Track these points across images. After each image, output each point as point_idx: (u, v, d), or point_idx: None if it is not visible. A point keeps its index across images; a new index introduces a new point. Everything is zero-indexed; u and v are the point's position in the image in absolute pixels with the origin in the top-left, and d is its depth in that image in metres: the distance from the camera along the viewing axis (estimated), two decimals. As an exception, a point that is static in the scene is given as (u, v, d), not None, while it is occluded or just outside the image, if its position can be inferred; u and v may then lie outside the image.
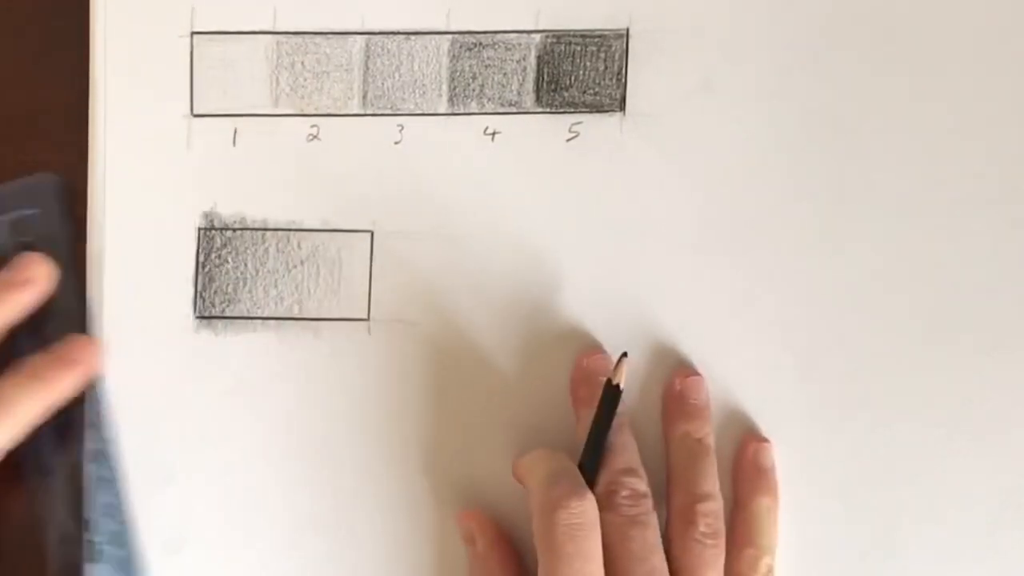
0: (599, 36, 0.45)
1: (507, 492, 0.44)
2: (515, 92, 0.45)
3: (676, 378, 0.44)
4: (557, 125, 0.45)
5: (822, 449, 0.44)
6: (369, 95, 0.46)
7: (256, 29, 0.46)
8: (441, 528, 0.45)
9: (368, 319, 0.46)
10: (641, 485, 0.41)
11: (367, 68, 0.46)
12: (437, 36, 0.46)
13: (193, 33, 0.46)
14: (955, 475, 0.44)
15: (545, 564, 0.39)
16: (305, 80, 0.46)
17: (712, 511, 0.41)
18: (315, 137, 0.46)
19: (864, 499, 0.44)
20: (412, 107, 0.46)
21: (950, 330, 0.44)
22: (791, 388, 0.44)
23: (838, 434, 0.44)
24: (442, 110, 0.46)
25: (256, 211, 0.46)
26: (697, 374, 0.44)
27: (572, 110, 0.45)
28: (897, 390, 0.44)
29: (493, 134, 0.45)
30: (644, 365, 0.44)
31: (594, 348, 0.44)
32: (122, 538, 0.45)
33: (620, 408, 0.42)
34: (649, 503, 0.41)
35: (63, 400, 0.44)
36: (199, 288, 0.46)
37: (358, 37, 0.46)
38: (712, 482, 0.42)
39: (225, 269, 0.46)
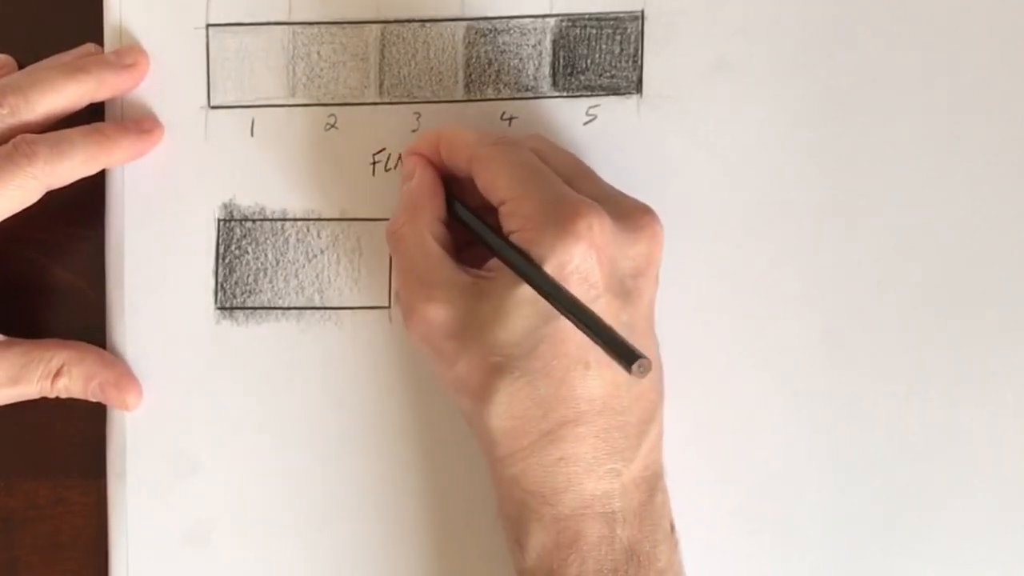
0: (614, 19, 0.45)
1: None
2: (531, 77, 0.45)
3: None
4: (574, 109, 0.45)
5: (847, 425, 0.44)
6: (386, 83, 0.46)
7: (272, 20, 0.46)
8: (466, 512, 0.45)
9: (389, 307, 0.46)
10: None
11: (383, 56, 0.46)
12: (452, 23, 0.46)
13: (209, 25, 0.46)
14: (981, 451, 0.44)
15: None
16: (321, 70, 0.46)
17: None
18: (332, 126, 0.46)
19: (889, 476, 0.44)
20: (429, 94, 0.46)
21: (975, 306, 0.44)
22: (815, 366, 0.44)
23: (864, 411, 0.44)
24: (459, 97, 0.46)
25: (275, 201, 0.46)
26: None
27: (589, 93, 0.45)
28: (922, 367, 0.44)
29: (510, 119, 0.45)
30: (666, 345, 0.44)
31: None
32: None
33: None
34: None
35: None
36: (219, 279, 0.46)
37: (373, 26, 0.46)
38: None
39: (245, 260, 0.46)
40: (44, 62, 0.46)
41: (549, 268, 0.38)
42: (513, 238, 0.39)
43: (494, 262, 0.41)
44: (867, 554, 0.44)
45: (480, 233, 0.41)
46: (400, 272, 0.42)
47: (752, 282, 0.44)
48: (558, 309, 0.37)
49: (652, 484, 0.41)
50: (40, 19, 0.48)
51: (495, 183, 0.40)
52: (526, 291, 0.38)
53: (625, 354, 0.35)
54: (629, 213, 0.40)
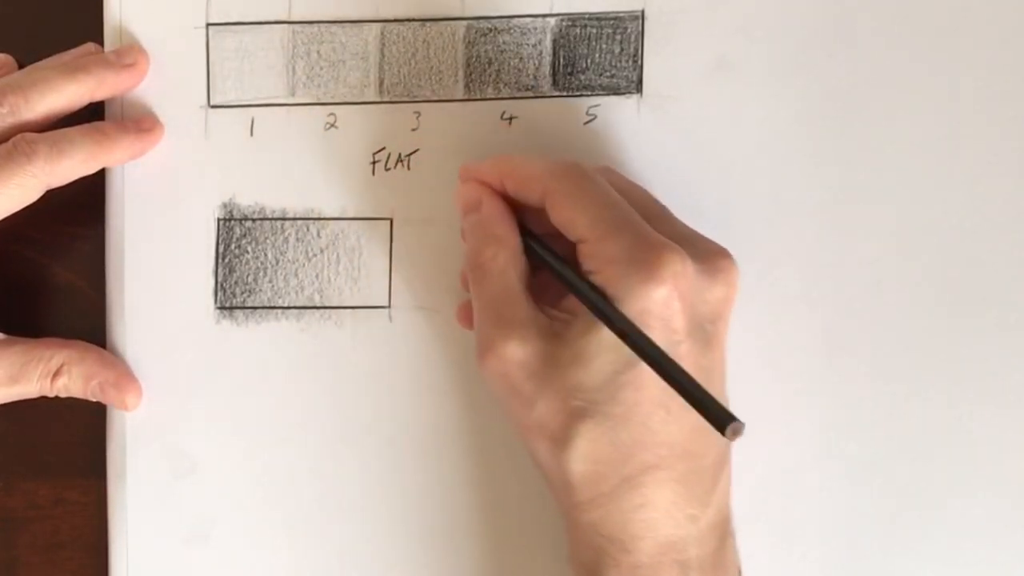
0: (614, 18, 0.45)
1: (530, 476, 0.44)
2: (531, 76, 0.45)
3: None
4: (574, 108, 0.45)
5: (847, 425, 0.44)
6: (386, 83, 0.46)
7: (271, 19, 0.46)
8: (466, 513, 0.45)
9: (389, 307, 0.46)
10: None
11: (383, 56, 0.46)
12: (452, 22, 0.46)
13: (208, 24, 0.46)
14: (980, 450, 0.44)
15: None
16: (321, 69, 0.46)
17: None
18: (332, 126, 0.46)
19: (889, 476, 0.44)
20: (429, 94, 0.46)
21: (975, 306, 0.44)
22: (816, 363, 0.44)
23: (864, 411, 0.44)
24: (459, 96, 0.46)
25: (275, 200, 0.46)
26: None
27: (589, 93, 0.45)
28: (922, 365, 0.44)
29: (510, 119, 0.45)
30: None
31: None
32: None
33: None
34: None
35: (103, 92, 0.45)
36: (219, 279, 0.46)
37: (373, 25, 0.46)
38: None
39: (245, 259, 0.46)
40: (44, 62, 0.46)
41: (631, 313, 0.37)
42: (593, 279, 0.38)
43: (570, 301, 0.40)
44: (867, 554, 0.44)
45: (562, 273, 0.40)
46: (480, 307, 0.41)
47: (752, 282, 0.44)
48: (642, 357, 0.36)
49: (724, 529, 0.40)
50: (40, 19, 0.48)
51: (575, 220, 0.39)
52: (608, 335, 0.37)
53: (717, 416, 0.34)
54: (708, 256, 0.39)
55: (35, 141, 0.43)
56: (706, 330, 0.39)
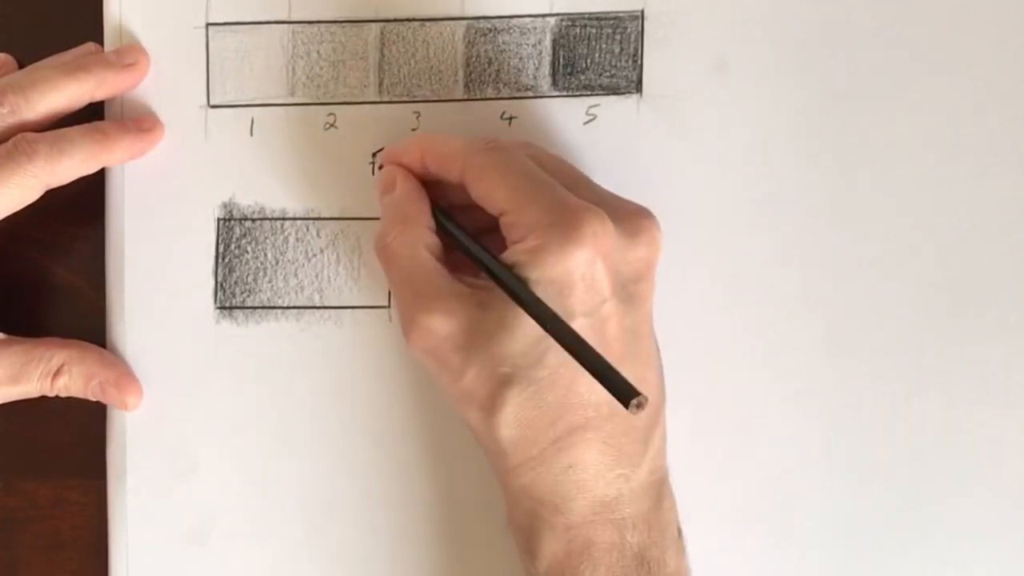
0: (614, 18, 0.45)
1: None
2: (531, 76, 0.45)
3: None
4: (574, 108, 0.45)
5: (847, 425, 0.44)
6: (385, 82, 0.46)
7: (271, 19, 0.46)
8: (468, 511, 0.45)
9: (389, 307, 0.46)
10: None
11: (383, 56, 0.46)
12: (452, 22, 0.46)
13: (208, 24, 0.46)
14: (980, 450, 0.44)
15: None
16: (321, 69, 0.46)
17: None
18: (332, 125, 0.46)
19: (889, 476, 0.44)
20: (428, 93, 0.46)
21: (975, 306, 0.44)
22: (817, 363, 0.44)
23: (864, 411, 0.44)
24: (458, 96, 0.46)
25: (275, 200, 0.46)
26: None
27: (589, 93, 0.45)
28: (922, 365, 0.44)
29: (510, 119, 0.45)
30: (666, 348, 0.44)
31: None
32: None
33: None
34: None
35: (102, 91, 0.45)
36: (219, 278, 0.46)
37: (373, 25, 0.46)
38: None
39: (245, 259, 0.46)
40: (44, 61, 0.46)
41: (553, 275, 0.38)
42: (515, 248, 0.39)
43: None
44: (867, 554, 0.44)
45: (470, 250, 0.41)
46: (396, 286, 0.42)
47: (752, 282, 0.44)
48: (548, 332, 0.37)
49: (659, 489, 0.41)
50: (40, 19, 0.48)
51: (493, 193, 0.40)
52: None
53: (620, 389, 0.35)
54: (628, 217, 0.40)
55: (35, 141, 0.43)
56: (629, 291, 0.39)
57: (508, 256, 0.39)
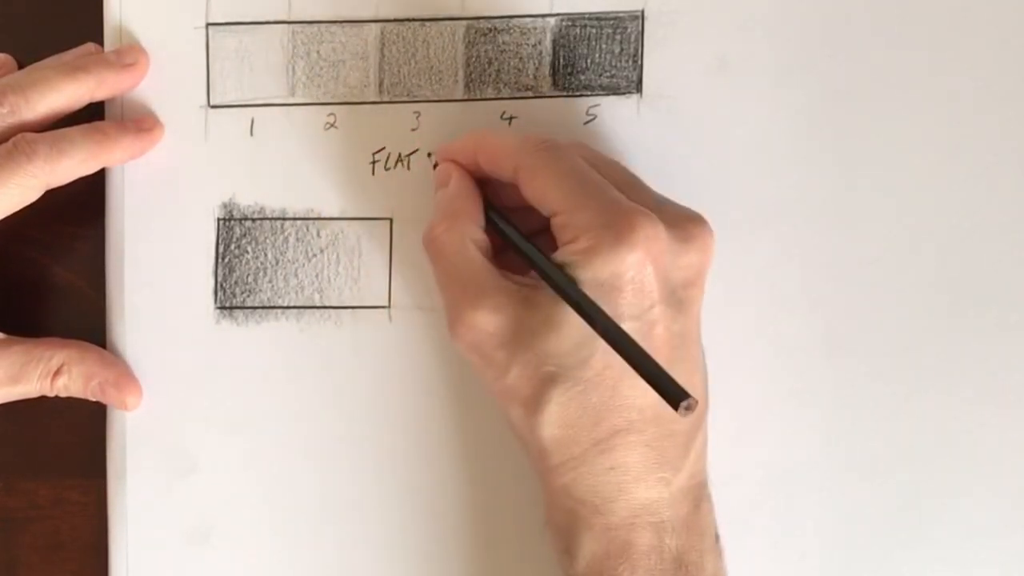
0: (614, 18, 0.45)
1: (528, 474, 0.44)
2: (531, 76, 0.45)
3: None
4: (574, 108, 0.45)
5: (847, 425, 0.44)
6: (385, 83, 0.46)
7: (271, 19, 0.46)
8: (466, 512, 0.45)
9: (389, 306, 0.46)
10: None
11: (383, 56, 0.46)
12: (452, 22, 0.46)
13: (208, 24, 0.46)
14: (980, 450, 0.44)
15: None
16: (321, 69, 0.46)
17: None
18: (332, 126, 0.46)
19: (889, 474, 0.44)
20: (429, 94, 0.46)
21: (975, 306, 0.44)
22: (817, 363, 0.44)
23: (864, 411, 0.44)
24: (459, 96, 0.46)
25: (275, 200, 0.46)
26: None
27: (589, 93, 0.45)
28: (922, 365, 0.44)
29: (510, 119, 0.45)
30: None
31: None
32: None
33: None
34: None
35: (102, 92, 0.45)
36: (219, 278, 0.46)
37: (373, 25, 0.46)
38: None
39: (245, 259, 0.46)
40: (44, 62, 0.46)
41: (603, 277, 0.38)
42: (566, 249, 0.39)
43: None
44: (867, 554, 0.44)
45: (522, 247, 0.41)
46: (443, 280, 0.41)
47: (752, 282, 0.44)
48: (597, 331, 0.37)
49: (698, 493, 0.41)
50: (40, 19, 0.48)
51: (546, 194, 0.40)
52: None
53: (670, 391, 0.35)
54: (681, 222, 0.40)
55: (35, 141, 0.43)
56: (679, 296, 0.39)
57: (559, 256, 0.39)
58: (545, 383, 0.39)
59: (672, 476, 0.39)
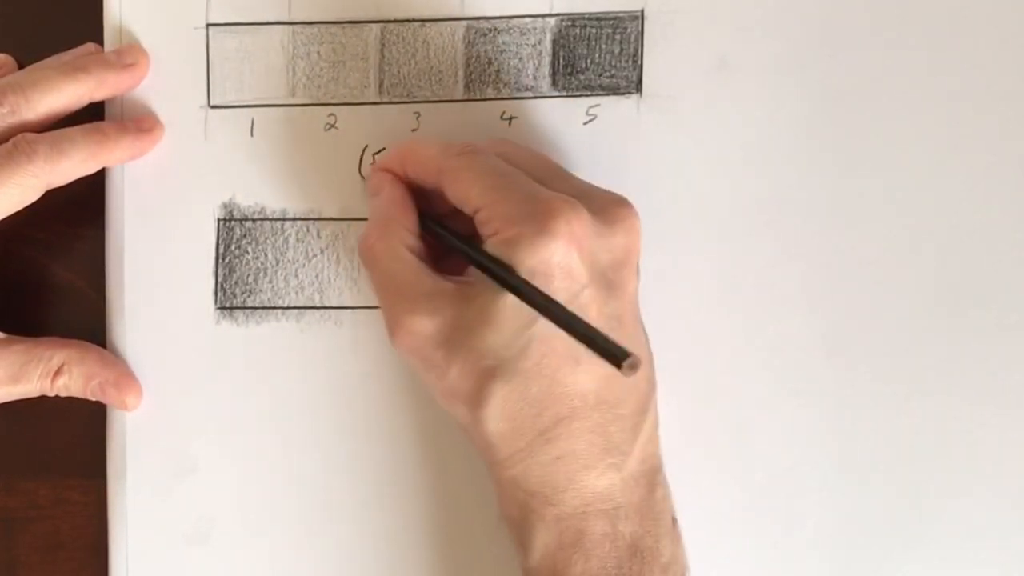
0: (614, 18, 0.45)
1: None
2: (531, 76, 0.45)
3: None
4: (574, 108, 0.45)
5: (847, 425, 0.44)
6: (385, 83, 0.46)
7: (271, 20, 0.46)
8: (467, 510, 0.45)
9: (389, 306, 0.46)
10: None
11: (383, 56, 0.46)
12: (452, 23, 0.46)
13: (209, 25, 0.46)
14: (981, 450, 0.44)
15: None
16: (321, 69, 0.46)
17: None
18: (332, 126, 0.46)
19: (889, 474, 0.44)
20: (429, 94, 0.46)
21: (975, 306, 0.44)
22: (817, 363, 0.44)
23: (864, 411, 0.44)
24: (459, 96, 0.46)
25: (275, 201, 0.46)
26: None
27: (589, 93, 0.45)
28: (922, 365, 0.44)
29: (510, 119, 0.45)
30: (666, 345, 0.44)
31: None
32: None
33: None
34: None
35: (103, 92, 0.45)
36: (219, 279, 0.46)
37: (373, 25, 0.46)
38: None
39: (245, 259, 0.46)
40: (44, 62, 0.46)
41: (530, 265, 0.38)
42: (491, 241, 0.39)
43: (472, 269, 0.41)
44: (867, 554, 0.44)
45: (454, 242, 0.41)
46: (379, 288, 0.42)
47: (752, 282, 0.44)
48: (540, 311, 0.37)
49: (651, 478, 0.41)
50: (40, 19, 0.48)
51: (467, 193, 0.40)
52: (509, 293, 0.38)
53: (612, 352, 0.35)
54: (605, 206, 0.40)
55: (35, 141, 0.43)
56: (609, 278, 0.40)
57: (486, 248, 0.39)
58: (485, 378, 0.39)
59: (622, 461, 0.40)
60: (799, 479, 0.44)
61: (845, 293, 0.44)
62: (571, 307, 0.38)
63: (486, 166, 0.41)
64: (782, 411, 0.44)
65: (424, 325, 0.40)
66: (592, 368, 0.39)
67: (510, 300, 0.38)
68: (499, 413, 0.39)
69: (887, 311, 0.44)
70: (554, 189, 0.40)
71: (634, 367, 0.34)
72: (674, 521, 0.41)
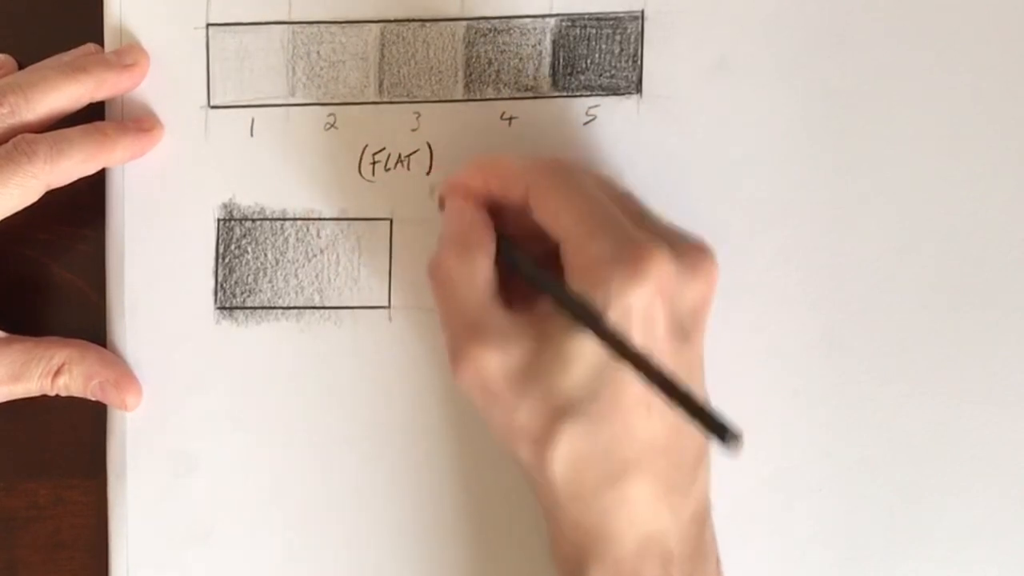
0: (614, 19, 0.45)
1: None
2: (531, 77, 0.45)
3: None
4: (574, 109, 0.45)
5: (847, 425, 0.44)
6: (385, 83, 0.46)
7: (271, 19, 0.46)
8: (465, 512, 0.45)
9: (389, 307, 0.46)
10: None
11: (383, 56, 0.46)
12: (452, 23, 0.46)
13: (209, 24, 0.46)
14: (981, 450, 0.44)
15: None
16: (321, 69, 0.46)
17: None
18: (332, 126, 0.46)
19: (889, 474, 0.44)
20: (428, 94, 0.46)
21: (975, 306, 0.44)
22: (817, 363, 0.44)
23: (864, 409, 0.44)
24: (458, 96, 0.46)
25: (275, 201, 0.46)
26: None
27: (588, 93, 0.45)
28: (922, 365, 0.44)
29: (510, 119, 0.45)
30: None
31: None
32: None
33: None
34: None
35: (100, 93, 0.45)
36: (219, 279, 0.46)
37: (373, 25, 0.46)
38: None
39: (245, 259, 0.46)
40: (44, 62, 0.46)
41: (616, 311, 0.37)
42: (578, 278, 0.38)
43: (544, 302, 0.39)
44: (867, 554, 0.44)
45: (540, 280, 0.40)
46: (447, 314, 0.40)
47: (752, 282, 0.44)
48: (630, 364, 0.36)
49: (702, 520, 0.41)
50: (40, 19, 0.48)
51: (558, 218, 0.39)
52: (587, 334, 0.37)
53: (716, 425, 0.33)
54: (688, 252, 0.39)
55: (35, 141, 0.43)
56: (685, 326, 0.39)
57: (569, 284, 0.38)
58: (555, 419, 0.38)
59: (680, 505, 0.39)
60: (799, 479, 0.44)
61: (845, 293, 0.44)
62: (647, 353, 0.36)
63: (579, 190, 0.39)
64: (782, 411, 0.44)
65: (494, 360, 0.38)
66: (663, 415, 0.38)
67: (588, 342, 0.37)
68: (567, 455, 0.38)
69: (887, 311, 0.44)
70: (638, 226, 0.39)
71: (738, 443, 0.33)
72: (718, 561, 0.41)
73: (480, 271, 0.40)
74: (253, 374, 0.46)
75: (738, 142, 0.45)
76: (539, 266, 0.40)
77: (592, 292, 0.37)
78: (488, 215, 0.41)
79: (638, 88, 0.45)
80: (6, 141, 0.43)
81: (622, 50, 0.45)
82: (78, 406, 0.46)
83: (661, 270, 0.37)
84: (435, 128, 0.46)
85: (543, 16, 0.45)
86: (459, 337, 0.39)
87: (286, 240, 0.46)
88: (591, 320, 0.37)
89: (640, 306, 0.37)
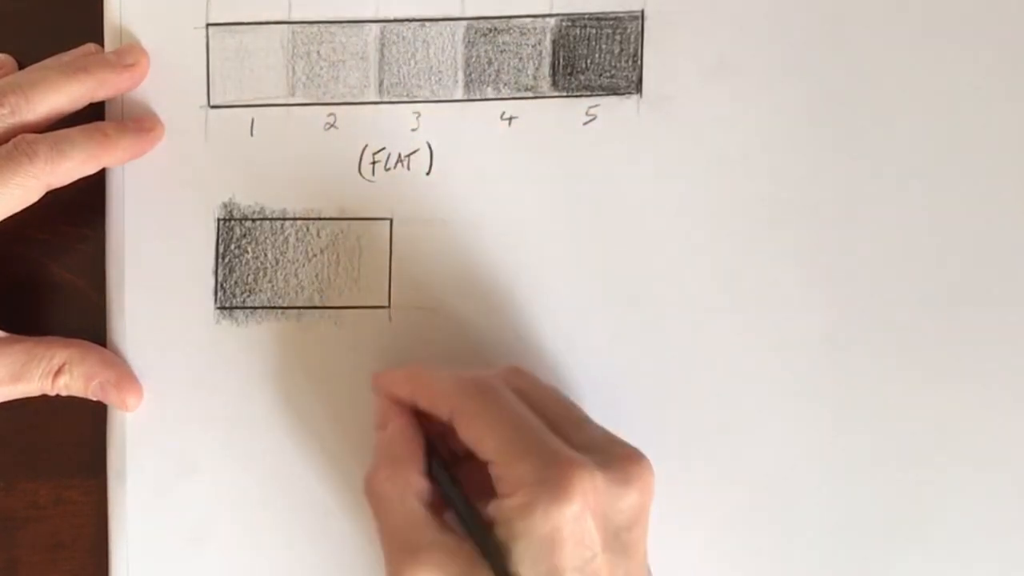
0: (614, 18, 0.45)
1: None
2: (531, 76, 0.45)
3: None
4: (574, 109, 0.45)
5: (848, 424, 0.44)
6: (385, 83, 0.46)
7: (271, 19, 0.46)
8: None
9: (389, 306, 0.46)
10: None
11: (383, 56, 0.46)
12: (452, 22, 0.46)
13: (208, 24, 0.46)
14: (981, 449, 0.44)
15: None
16: (321, 69, 0.46)
17: None
18: (332, 126, 0.46)
19: (890, 473, 0.44)
20: (428, 94, 0.46)
21: (975, 305, 0.44)
22: (818, 362, 0.44)
23: (864, 409, 0.44)
24: (458, 96, 0.46)
25: (275, 200, 0.46)
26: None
27: (588, 93, 0.45)
28: (923, 364, 0.44)
29: (510, 119, 0.45)
30: (668, 347, 0.44)
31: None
32: None
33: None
34: None
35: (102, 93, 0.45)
36: (219, 279, 0.46)
37: (373, 25, 0.46)
38: None
39: (245, 259, 0.46)
40: (44, 62, 0.46)
41: (544, 533, 0.37)
42: (504, 504, 0.38)
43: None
44: (867, 554, 0.44)
45: (460, 512, 0.40)
46: (383, 533, 0.40)
47: (752, 282, 0.44)
48: None
49: None
50: (40, 19, 0.48)
51: (482, 442, 0.39)
52: (523, 548, 0.37)
53: None
54: (620, 463, 0.39)
55: (35, 141, 0.43)
56: (622, 540, 0.39)
57: (495, 510, 0.38)
58: None
59: None
60: (799, 479, 0.44)
61: (846, 292, 0.44)
62: (582, 573, 0.37)
63: (501, 414, 0.39)
64: (782, 411, 0.44)
65: None
66: None
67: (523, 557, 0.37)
68: None
69: (887, 310, 0.44)
70: (568, 437, 0.39)
71: None
72: None
73: (411, 485, 0.40)
74: (253, 374, 0.46)
75: (738, 142, 0.45)
76: (462, 489, 0.41)
77: (520, 516, 0.37)
78: (416, 425, 0.42)
79: (638, 88, 0.45)
80: (6, 141, 0.43)
81: (622, 50, 0.45)
82: (78, 406, 0.46)
83: (587, 486, 0.37)
84: (435, 128, 0.46)
85: (543, 16, 0.45)
86: (393, 556, 0.39)
87: (286, 240, 0.46)
88: (490, 554, 0.38)
89: (569, 526, 0.37)
